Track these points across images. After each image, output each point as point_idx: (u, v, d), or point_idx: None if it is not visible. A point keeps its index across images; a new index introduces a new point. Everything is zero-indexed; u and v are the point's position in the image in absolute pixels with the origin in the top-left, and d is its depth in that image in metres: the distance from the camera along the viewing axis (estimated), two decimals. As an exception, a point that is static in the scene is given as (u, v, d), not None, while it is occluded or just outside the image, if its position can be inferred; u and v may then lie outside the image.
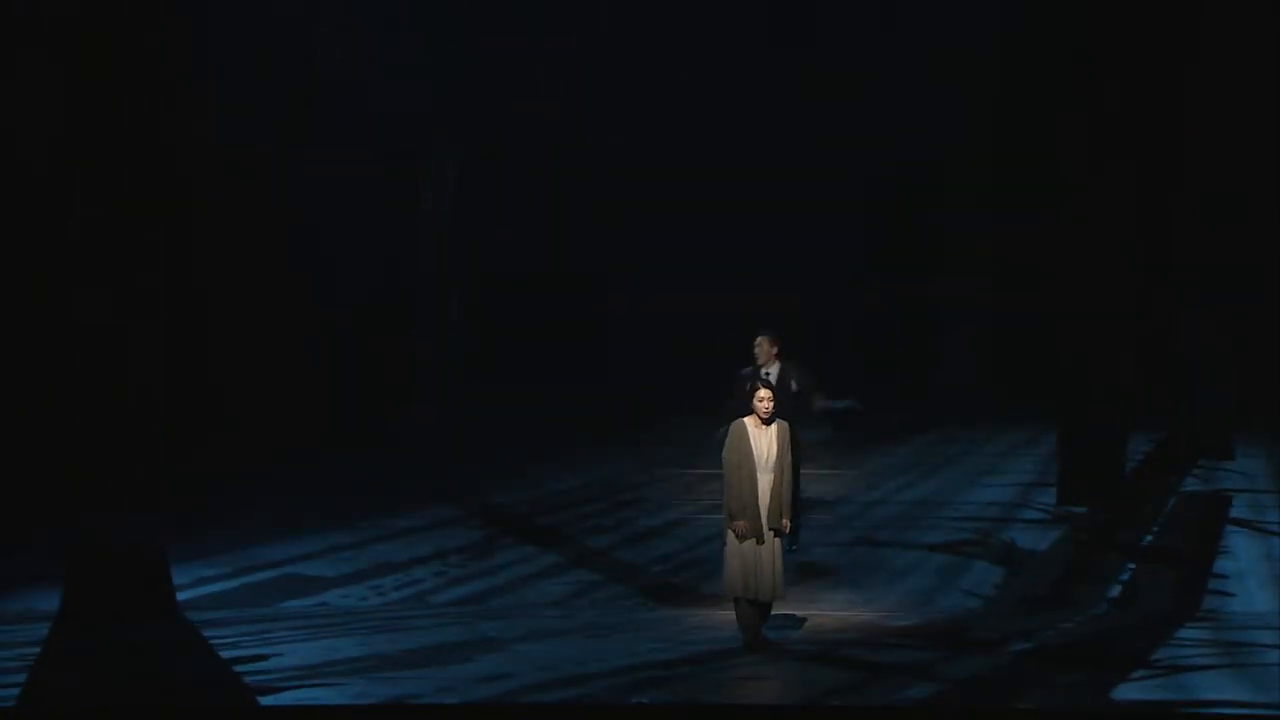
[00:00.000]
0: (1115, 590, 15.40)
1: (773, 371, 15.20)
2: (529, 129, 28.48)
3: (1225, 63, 26.98)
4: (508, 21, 27.41)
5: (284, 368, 24.11)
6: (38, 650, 12.32)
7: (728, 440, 12.58)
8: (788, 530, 12.71)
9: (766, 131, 29.80)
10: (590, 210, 29.40)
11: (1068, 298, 26.69)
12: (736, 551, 12.53)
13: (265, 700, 11.06)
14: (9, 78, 19.99)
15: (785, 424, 12.68)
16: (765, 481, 12.52)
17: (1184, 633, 13.50)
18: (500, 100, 27.84)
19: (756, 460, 12.52)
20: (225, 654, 12.44)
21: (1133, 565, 16.35)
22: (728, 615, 13.31)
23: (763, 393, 12.58)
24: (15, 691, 11.16)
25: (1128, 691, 11.42)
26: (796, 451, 13.92)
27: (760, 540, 12.45)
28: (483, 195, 28.02)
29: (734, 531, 12.52)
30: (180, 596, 14.74)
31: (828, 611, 14.13)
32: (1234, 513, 18.87)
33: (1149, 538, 17.60)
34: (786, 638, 12.89)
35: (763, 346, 15.47)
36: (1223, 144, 27.26)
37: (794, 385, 15.31)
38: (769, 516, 12.50)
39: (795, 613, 13.65)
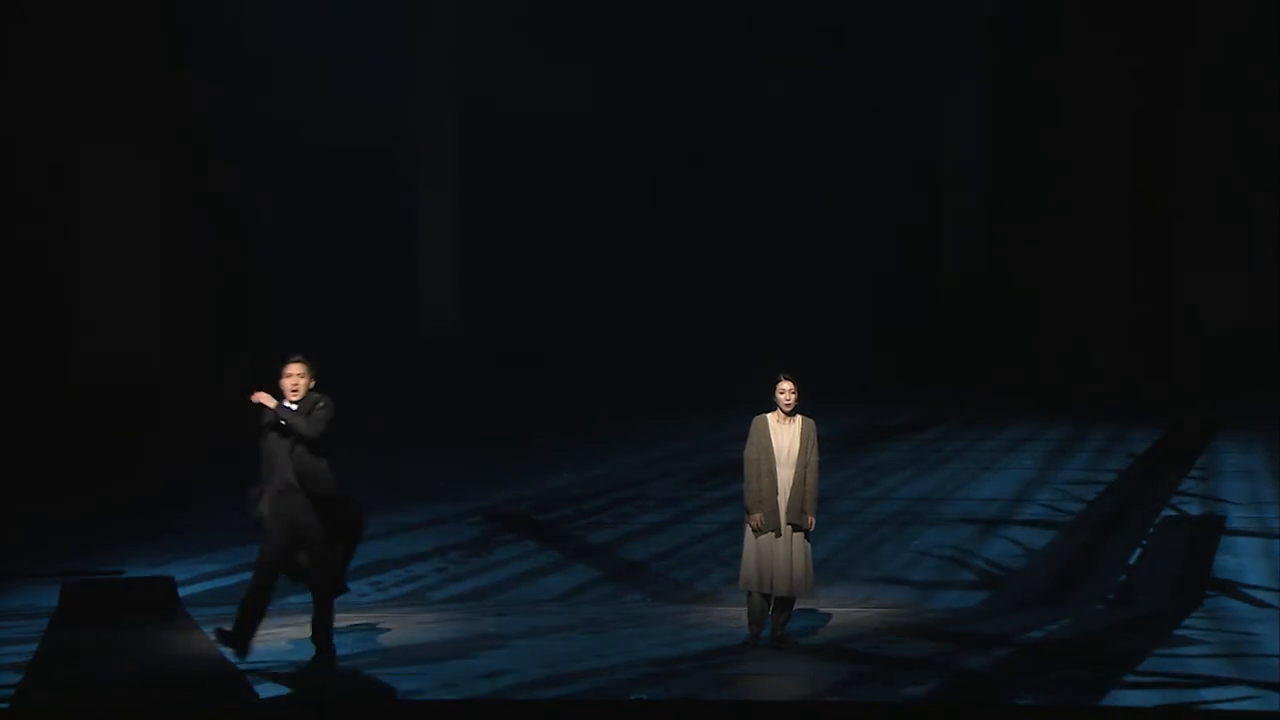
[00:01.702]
0: (1114, 587, 15.40)
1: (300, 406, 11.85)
2: (528, 131, 28.54)
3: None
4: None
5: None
6: (36, 647, 12.32)
7: (750, 434, 12.59)
8: (810, 526, 12.65)
9: (768, 133, 29.88)
10: (591, 209, 29.40)
11: (1069, 292, 26.83)
12: (753, 545, 12.53)
13: (265, 696, 11.06)
14: None
15: (810, 420, 12.66)
16: (785, 476, 12.50)
17: (1183, 629, 13.51)
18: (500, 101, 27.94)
19: (777, 455, 12.51)
20: (225, 650, 12.44)
21: (1132, 562, 16.35)
22: (728, 611, 13.34)
23: (784, 385, 12.56)
24: (13, 689, 11.17)
25: (1127, 688, 11.42)
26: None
27: (778, 534, 12.45)
28: (484, 194, 28.07)
29: (750, 525, 12.53)
30: (181, 592, 14.76)
31: (828, 608, 14.13)
32: (1234, 507, 18.85)
33: (1148, 534, 17.59)
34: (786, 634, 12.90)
35: (298, 377, 11.90)
36: (1223, 140, 27.51)
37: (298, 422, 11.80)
38: (788, 511, 12.49)
39: (815, 608, 13.67)
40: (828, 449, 12.84)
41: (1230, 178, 28.19)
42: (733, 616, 13.36)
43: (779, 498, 12.49)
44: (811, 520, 12.58)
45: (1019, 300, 29.17)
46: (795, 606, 12.83)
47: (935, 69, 29.90)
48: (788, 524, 12.48)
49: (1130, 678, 11.71)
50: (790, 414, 12.57)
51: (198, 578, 15.58)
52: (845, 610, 14.22)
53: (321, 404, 11.83)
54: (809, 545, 12.62)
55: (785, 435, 12.55)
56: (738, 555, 12.98)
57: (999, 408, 26.95)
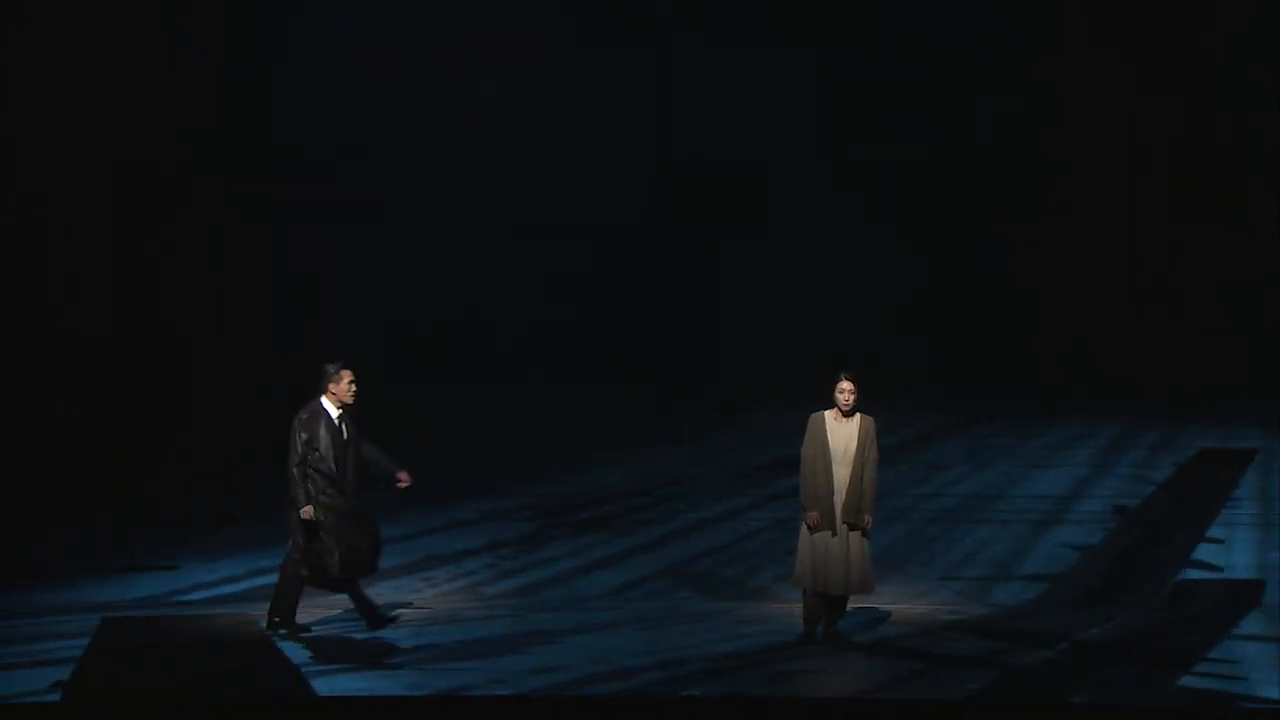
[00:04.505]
0: (1169, 584, 15.31)
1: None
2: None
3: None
4: None
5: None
6: (83, 642, 12.39)
7: (807, 431, 12.53)
8: (868, 525, 12.60)
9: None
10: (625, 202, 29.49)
11: (1069, 292, 26.77)
12: (808, 543, 12.49)
13: (319, 690, 11.10)
14: None
15: (869, 418, 12.60)
16: (841, 474, 12.45)
17: (1239, 628, 13.42)
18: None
19: (833, 453, 12.46)
20: (279, 644, 12.50)
21: (1187, 559, 16.25)
22: (780, 608, 13.32)
23: (844, 385, 12.52)
24: (59, 682, 11.23)
25: (1182, 687, 11.35)
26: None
27: (834, 533, 12.40)
28: (492, 193, 28.17)
29: (805, 523, 12.49)
30: (236, 587, 14.86)
31: (881, 605, 14.09)
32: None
33: (1203, 531, 17.49)
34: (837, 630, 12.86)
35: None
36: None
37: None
38: (844, 510, 12.43)
39: (868, 605, 13.63)
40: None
41: (1230, 177, 28.21)
42: (785, 613, 13.33)
43: (835, 496, 12.44)
44: (869, 519, 12.52)
45: (1019, 300, 29.17)
46: (850, 604, 12.80)
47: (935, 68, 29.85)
48: (844, 523, 12.43)
49: (1186, 677, 11.64)
50: (849, 413, 12.52)
51: (251, 573, 15.61)
52: (898, 607, 14.16)
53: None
54: (867, 543, 12.56)
55: (842, 433, 12.49)
56: (789, 552, 12.96)
57: (1045, 404, 26.89)
